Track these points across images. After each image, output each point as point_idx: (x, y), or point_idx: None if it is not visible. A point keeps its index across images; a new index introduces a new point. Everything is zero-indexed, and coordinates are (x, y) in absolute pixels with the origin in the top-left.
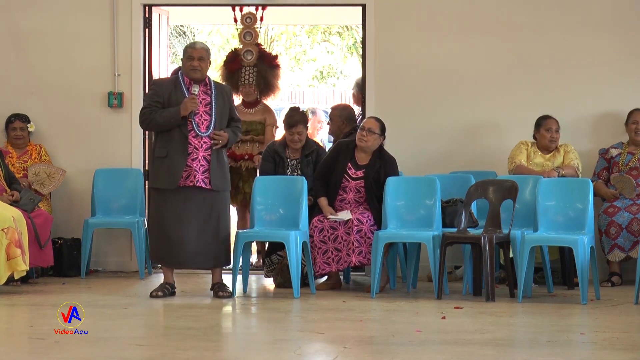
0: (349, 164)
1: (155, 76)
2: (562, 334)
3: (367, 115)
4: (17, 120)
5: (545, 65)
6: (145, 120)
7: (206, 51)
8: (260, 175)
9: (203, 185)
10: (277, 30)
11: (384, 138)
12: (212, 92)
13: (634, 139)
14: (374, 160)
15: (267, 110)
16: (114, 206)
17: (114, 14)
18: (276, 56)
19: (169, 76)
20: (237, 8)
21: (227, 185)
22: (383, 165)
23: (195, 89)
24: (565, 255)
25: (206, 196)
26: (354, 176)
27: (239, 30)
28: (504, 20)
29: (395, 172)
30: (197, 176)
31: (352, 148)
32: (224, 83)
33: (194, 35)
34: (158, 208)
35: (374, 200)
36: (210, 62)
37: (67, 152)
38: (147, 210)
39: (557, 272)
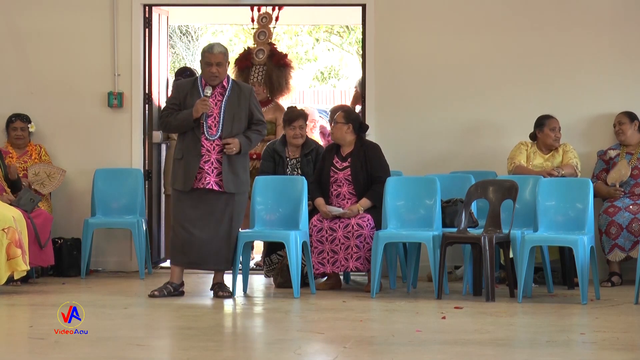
0: (335, 157)
1: (155, 76)
2: (562, 334)
3: (366, 116)
4: (18, 120)
5: (545, 65)
6: (163, 123)
7: (224, 54)
8: (260, 174)
9: (216, 188)
10: (278, 30)
11: (355, 126)
12: (225, 94)
13: (618, 139)
14: (357, 148)
15: (279, 109)
16: (114, 206)
17: (114, 14)
18: (286, 55)
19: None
20: (255, 8)
21: (241, 187)
22: (365, 151)
23: (208, 91)
24: (565, 255)
25: (220, 198)
26: (340, 167)
27: (254, 30)
28: (504, 21)
29: (378, 155)
30: (208, 178)
31: (336, 145)
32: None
33: (198, 37)
34: (175, 208)
35: (360, 186)
36: (228, 62)
37: (67, 152)
38: (146, 210)
39: (557, 272)
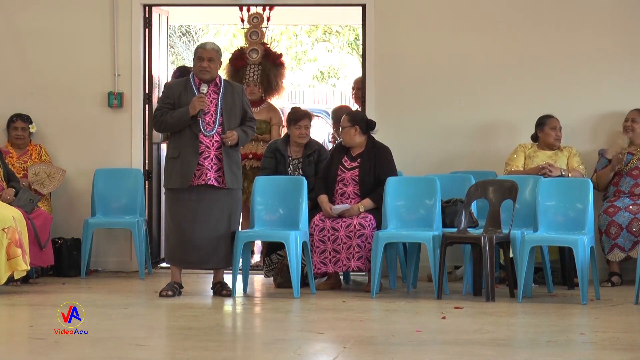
0: (345, 157)
1: (155, 76)
2: (562, 334)
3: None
4: (19, 120)
5: (546, 65)
6: (157, 122)
7: (216, 52)
8: (261, 170)
9: (215, 184)
10: (277, 30)
11: (362, 126)
12: (220, 92)
13: (626, 135)
14: (367, 149)
15: (272, 109)
16: (114, 206)
17: (114, 14)
18: (281, 55)
19: (177, 77)
20: (245, 8)
21: (239, 183)
22: (376, 153)
23: (204, 88)
24: (565, 255)
25: (219, 195)
26: (349, 167)
27: (245, 29)
28: (504, 21)
29: (388, 158)
30: (208, 174)
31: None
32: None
33: (199, 37)
34: (172, 208)
35: (366, 187)
36: (220, 62)
37: (67, 152)
38: (146, 210)
39: (557, 272)
